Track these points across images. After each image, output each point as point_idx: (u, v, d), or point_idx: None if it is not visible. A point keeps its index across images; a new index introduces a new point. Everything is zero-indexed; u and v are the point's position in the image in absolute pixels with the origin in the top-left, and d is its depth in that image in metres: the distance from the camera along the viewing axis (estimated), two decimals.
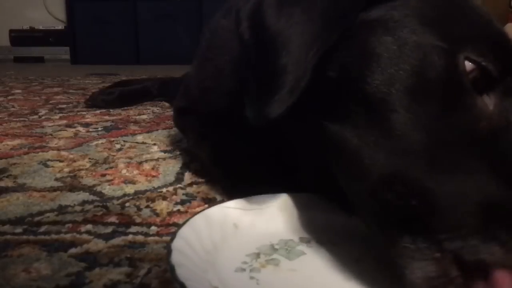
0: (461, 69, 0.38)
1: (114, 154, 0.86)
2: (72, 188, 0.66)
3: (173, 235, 0.39)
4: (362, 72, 0.40)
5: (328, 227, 0.46)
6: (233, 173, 0.61)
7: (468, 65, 0.38)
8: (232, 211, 0.46)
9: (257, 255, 0.41)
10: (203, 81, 0.69)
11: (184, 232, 0.40)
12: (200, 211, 0.45)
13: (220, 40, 0.66)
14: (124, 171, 0.75)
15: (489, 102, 0.39)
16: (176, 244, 0.38)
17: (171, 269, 0.34)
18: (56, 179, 0.71)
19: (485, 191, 0.35)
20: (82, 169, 0.76)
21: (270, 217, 0.47)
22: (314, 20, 0.42)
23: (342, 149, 0.41)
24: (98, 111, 1.36)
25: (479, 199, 0.35)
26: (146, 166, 0.78)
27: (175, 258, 0.35)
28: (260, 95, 0.43)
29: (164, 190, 0.66)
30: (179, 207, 0.60)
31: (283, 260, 0.40)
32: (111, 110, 1.38)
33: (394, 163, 0.38)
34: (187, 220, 0.42)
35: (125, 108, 1.42)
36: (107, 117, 1.27)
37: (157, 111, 1.38)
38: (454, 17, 0.41)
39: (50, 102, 1.57)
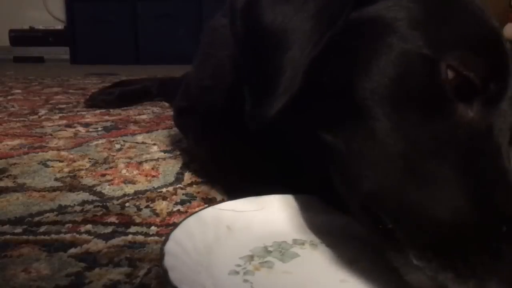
0: (442, 77, 0.38)
1: (114, 154, 0.86)
2: (72, 188, 0.66)
3: (166, 238, 0.38)
4: (351, 79, 0.40)
5: (322, 229, 0.46)
6: (233, 173, 0.61)
7: (451, 73, 0.38)
8: (225, 213, 0.46)
9: (251, 257, 0.41)
10: (203, 79, 0.68)
11: (177, 234, 0.40)
12: (193, 213, 0.44)
13: (219, 37, 0.66)
14: (124, 171, 0.75)
15: (471, 109, 0.38)
16: (169, 247, 0.37)
17: (164, 272, 0.33)
18: (56, 179, 0.70)
19: (457, 209, 0.35)
20: (82, 169, 0.76)
21: (263, 219, 0.46)
22: (306, 20, 0.41)
23: (335, 158, 0.41)
24: (98, 111, 1.36)
25: (448, 218, 0.34)
26: (146, 166, 0.78)
27: (168, 261, 0.35)
28: (256, 96, 0.42)
29: (164, 190, 0.66)
30: (179, 207, 0.60)
31: (277, 263, 0.40)
32: (111, 110, 1.38)
33: (376, 177, 0.38)
34: (179, 223, 0.42)
35: (125, 108, 1.42)
36: (107, 117, 1.27)
37: (157, 111, 1.38)
38: (444, 18, 0.40)
39: (50, 102, 1.57)
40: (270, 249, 0.42)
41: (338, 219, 0.46)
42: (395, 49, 0.39)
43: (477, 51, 0.39)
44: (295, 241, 0.44)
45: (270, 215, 0.47)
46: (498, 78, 0.39)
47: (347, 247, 0.43)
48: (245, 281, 0.37)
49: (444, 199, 0.35)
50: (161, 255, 0.36)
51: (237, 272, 0.38)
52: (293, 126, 0.47)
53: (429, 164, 0.36)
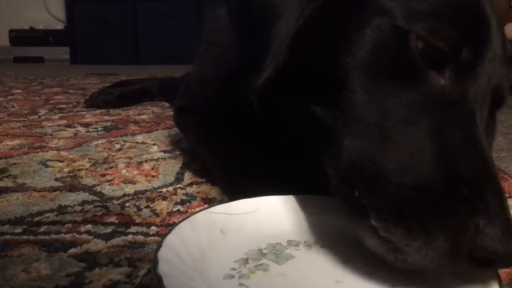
0: (412, 48, 0.39)
1: (114, 154, 0.86)
2: (72, 188, 0.66)
3: (159, 244, 0.38)
4: (333, 53, 0.41)
5: (315, 229, 0.45)
6: (233, 171, 0.61)
7: (421, 43, 0.39)
8: (218, 217, 0.45)
9: (246, 260, 0.40)
10: (203, 72, 0.69)
11: (170, 240, 0.39)
12: (185, 218, 0.44)
13: (222, 26, 0.67)
14: (124, 171, 0.75)
15: (443, 77, 0.39)
16: (162, 253, 0.36)
17: (158, 279, 0.33)
18: (56, 179, 0.70)
19: (419, 174, 0.36)
20: (82, 169, 0.76)
21: (257, 221, 0.46)
22: None
23: (323, 131, 0.43)
24: (98, 111, 1.36)
25: (410, 183, 0.36)
26: (146, 166, 0.78)
27: (162, 268, 0.34)
28: (248, 67, 0.45)
29: (164, 190, 0.66)
30: (179, 207, 0.60)
31: (272, 265, 0.39)
32: (111, 110, 1.38)
33: (355, 147, 0.39)
34: (172, 228, 0.41)
35: (125, 108, 1.42)
36: (107, 117, 1.27)
37: (157, 111, 1.38)
38: None
39: (50, 102, 1.57)
40: (264, 251, 0.42)
41: (332, 219, 0.45)
42: (372, 22, 0.40)
43: (449, 20, 0.39)
44: (290, 243, 0.43)
45: (264, 216, 0.47)
46: (472, 44, 0.40)
47: (342, 247, 0.42)
48: (241, 285, 0.36)
49: (409, 166, 0.37)
50: (154, 261, 0.35)
51: (232, 276, 0.37)
52: (288, 104, 0.49)
53: (400, 132, 0.38)
